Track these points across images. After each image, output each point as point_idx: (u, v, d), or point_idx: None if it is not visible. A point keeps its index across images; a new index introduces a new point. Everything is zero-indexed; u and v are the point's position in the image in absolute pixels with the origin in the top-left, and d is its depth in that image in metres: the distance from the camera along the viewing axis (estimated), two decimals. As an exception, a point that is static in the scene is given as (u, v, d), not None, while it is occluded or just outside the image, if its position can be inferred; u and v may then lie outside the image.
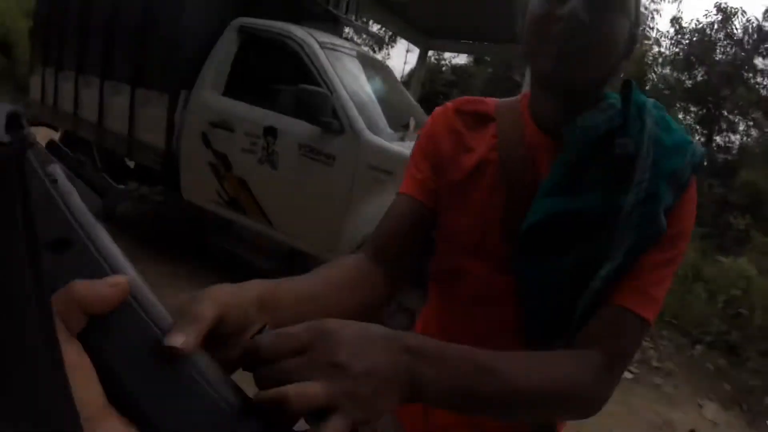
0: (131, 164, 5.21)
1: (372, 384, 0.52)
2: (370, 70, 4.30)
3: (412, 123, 3.77)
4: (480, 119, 0.97)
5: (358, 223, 3.25)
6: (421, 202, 0.95)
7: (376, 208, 3.11)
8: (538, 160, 0.90)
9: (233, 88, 3.95)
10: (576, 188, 0.84)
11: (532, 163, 0.90)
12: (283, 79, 3.97)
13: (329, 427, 0.47)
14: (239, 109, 3.83)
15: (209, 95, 3.95)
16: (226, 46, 4.00)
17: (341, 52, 3.98)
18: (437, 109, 1.03)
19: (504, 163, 0.91)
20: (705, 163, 1.06)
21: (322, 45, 3.77)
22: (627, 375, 4.43)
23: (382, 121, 3.60)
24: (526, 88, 1.04)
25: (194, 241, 4.59)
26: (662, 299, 0.83)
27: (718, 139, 16.34)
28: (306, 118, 3.43)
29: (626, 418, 3.92)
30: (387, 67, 5.17)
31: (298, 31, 3.84)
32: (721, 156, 15.28)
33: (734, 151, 15.80)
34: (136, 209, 5.11)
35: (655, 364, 4.79)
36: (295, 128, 3.54)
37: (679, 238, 0.83)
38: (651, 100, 0.88)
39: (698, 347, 5.32)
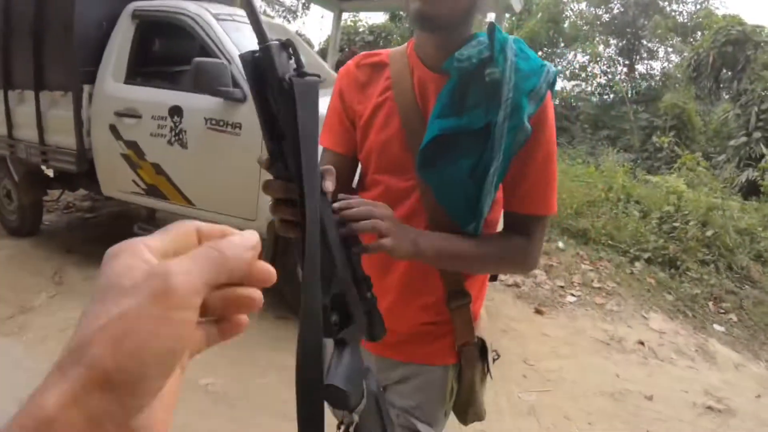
0: (50, 172, 5.18)
1: (404, 232, 1.05)
2: (273, 36, 4.34)
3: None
4: (377, 67, 1.28)
5: None
6: (340, 153, 1.30)
7: None
8: (428, 91, 1.19)
9: (136, 75, 3.97)
10: (460, 110, 1.12)
11: (422, 94, 1.20)
12: (185, 57, 4.00)
13: (383, 243, 0.97)
14: (143, 94, 3.85)
15: (112, 85, 3.95)
16: (123, 33, 4.00)
17: (239, 21, 4.01)
18: (341, 69, 1.33)
19: (398, 96, 1.21)
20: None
21: (216, 17, 3.81)
22: (570, 299, 4.70)
23: (284, 82, 3.65)
24: None
25: (123, 236, 4.62)
26: (555, 190, 1.20)
27: (639, 67, 17.04)
28: (208, 91, 3.44)
29: (573, 339, 4.12)
30: (290, 31, 5.25)
31: (191, 6, 3.86)
32: (644, 83, 15.89)
33: (656, 78, 16.42)
34: (63, 219, 5.13)
35: (596, 285, 5.00)
36: (198, 103, 3.58)
37: (545, 139, 1.16)
38: (511, 37, 1.16)
39: (637, 264, 5.54)
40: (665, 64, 16.84)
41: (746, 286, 5.42)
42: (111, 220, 5.64)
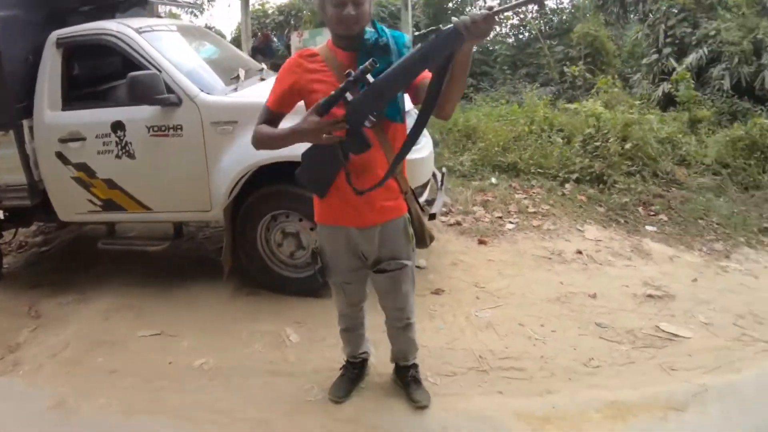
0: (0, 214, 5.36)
1: None
2: (193, 38, 4.72)
3: (242, 73, 4.25)
4: (313, 57, 2.22)
5: (221, 176, 3.76)
6: (276, 111, 2.27)
7: (232, 156, 3.70)
8: (349, 62, 2.12)
9: (71, 100, 4.21)
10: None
11: (346, 64, 2.11)
12: (116, 74, 4.31)
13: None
14: (83, 116, 4.10)
15: (50, 114, 4.16)
16: (50, 63, 4.17)
17: (159, 31, 4.30)
18: (291, 59, 2.29)
19: (332, 69, 2.17)
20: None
21: (139, 30, 4.07)
22: (509, 226, 5.15)
23: (213, 80, 4.05)
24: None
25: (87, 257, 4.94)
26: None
27: (549, 2, 17.22)
28: (145, 102, 3.77)
29: (516, 260, 4.57)
30: (206, 31, 5.59)
31: (113, 25, 4.11)
32: (555, 18, 16.28)
33: (566, 11, 16.73)
34: (20, 258, 5.38)
35: (531, 210, 5.43)
36: (138, 114, 3.88)
37: None
38: (384, 26, 2.18)
39: (567, 186, 5.98)
40: None
41: (673, 189, 5.88)
42: (68, 246, 5.83)
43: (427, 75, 1.97)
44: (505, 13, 17.53)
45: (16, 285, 4.95)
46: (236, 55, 5.24)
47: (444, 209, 5.22)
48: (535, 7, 15.47)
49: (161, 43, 4.15)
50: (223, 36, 16.55)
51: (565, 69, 11.50)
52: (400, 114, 2.21)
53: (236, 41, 13.59)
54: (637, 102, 7.65)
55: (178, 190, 4.02)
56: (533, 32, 15.09)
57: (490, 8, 1.69)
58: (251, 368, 3.32)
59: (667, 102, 8.70)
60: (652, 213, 5.47)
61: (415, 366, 2.94)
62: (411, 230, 2.47)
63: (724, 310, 3.86)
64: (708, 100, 8.26)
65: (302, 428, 2.81)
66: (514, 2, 1.73)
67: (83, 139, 4.08)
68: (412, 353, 2.90)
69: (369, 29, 2.15)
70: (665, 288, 4.11)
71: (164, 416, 2.97)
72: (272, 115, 2.26)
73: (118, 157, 4.01)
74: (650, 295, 4.01)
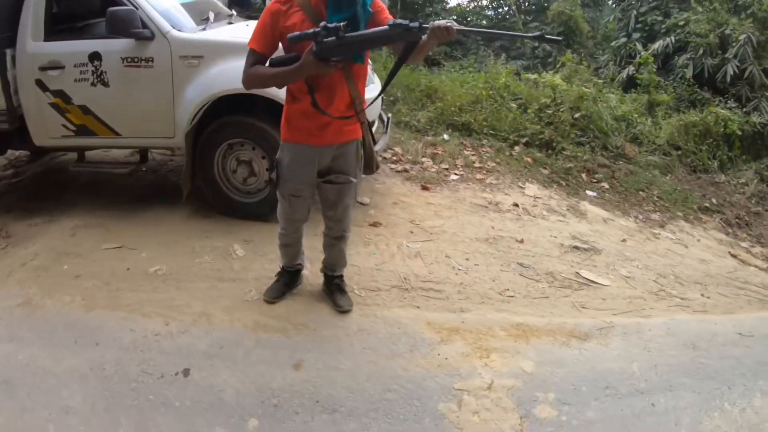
0: None
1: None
2: None
3: (211, 15, 4.72)
4: (288, 2, 2.58)
5: (185, 105, 4.21)
6: (262, 53, 2.64)
7: (195, 87, 4.17)
8: (319, 6, 2.55)
9: (53, 31, 4.57)
10: (340, 9, 2.51)
11: (317, 7, 2.55)
12: (97, 11, 4.73)
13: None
14: (63, 47, 4.48)
15: (32, 44, 4.53)
16: None
17: None
18: (271, 4, 2.63)
19: (306, 12, 2.56)
20: None
21: None
22: (453, 177, 5.54)
23: (185, 19, 4.47)
24: None
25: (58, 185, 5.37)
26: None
27: None
28: (123, 35, 4.19)
29: (454, 205, 4.98)
30: None
31: None
32: None
33: None
34: None
35: (477, 165, 5.83)
36: (114, 46, 4.30)
37: (381, 7, 2.67)
38: None
39: (516, 148, 6.35)
40: None
41: (620, 162, 6.26)
42: (38, 177, 6.15)
43: (387, 17, 2.59)
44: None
45: None
46: (209, 1, 5.65)
47: (384, 149, 5.64)
48: None
49: None
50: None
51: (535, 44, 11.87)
52: (361, 57, 2.67)
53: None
54: (599, 81, 8.11)
55: (147, 117, 4.46)
56: (512, 7, 15.34)
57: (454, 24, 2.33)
58: (200, 274, 3.79)
59: (630, 85, 9.07)
60: (594, 180, 5.86)
61: (341, 277, 3.46)
62: (361, 153, 3.02)
63: (647, 268, 4.24)
64: (669, 86, 8.68)
65: (239, 321, 3.28)
66: (473, 29, 2.45)
67: (62, 67, 4.47)
68: (340, 265, 3.42)
69: None
70: (593, 243, 4.47)
71: (120, 311, 3.41)
72: (259, 56, 2.65)
73: (93, 85, 4.42)
74: (576, 247, 4.39)
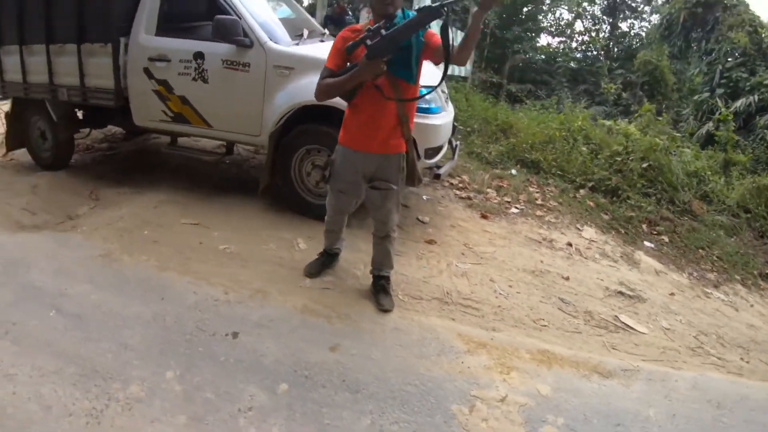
0: (80, 114, 6.47)
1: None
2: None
3: (305, 32, 5.30)
4: (355, 31, 3.14)
5: (273, 109, 4.74)
6: (334, 70, 3.16)
7: (283, 94, 4.69)
8: None
9: (164, 28, 5.24)
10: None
11: None
12: (202, 15, 5.35)
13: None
14: (171, 43, 5.13)
15: (145, 37, 5.22)
16: None
17: None
18: (341, 32, 3.25)
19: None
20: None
21: None
22: (514, 210, 5.78)
23: (281, 33, 5.03)
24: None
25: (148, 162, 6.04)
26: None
27: (623, 25, 17.72)
28: (225, 40, 4.80)
29: (510, 236, 5.22)
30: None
31: None
32: (625, 41, 16.62)
33: (633, 36, 17.13)
34: (87, 157, 6.55)
35: (539, 202, 6.01)
36: (217, 49, 4.90)
37: (432, 38, 3.12)
38: (411, 12, 3.06)
39: (581, 191, 6.47)
40: (644, 23, 17.51)
41: (685, 218, 6.20)
42: (131, 154, 6.99)
43: (438, 40, 2.97)
44: (574, 28, 18.24)
45: (82, 174, 6.10)
46: (306, 19, 6.36)
47: (449, 174, 6.08)
48: (607, 27, 15.79)
49: None
50: (300, 2, 18.46)
51: (602, 84, 11.92)
52: (412, 77, 3.17)
53: (312, 7, 15.24)
54: (678, 134, 8.08)
55: (237, 114, 5.04)
56: (600, 52, 15.32)
57: None
58: (263, 258, 4.29)
59: (709, 141, 9.01)
60: (654, 232, 5.84)
61: (386, 278, 3.86)
62: (403, 165, 3.45)
63: (690, 324, 4.21)
64: (748, 146, 8.55)
65: (290, 302, 3.73)
66: None
67: (168, 60, 5.12)
68: (385, 266, 3.83)
69: (399, 14, 3.06)
70: (639, 291, 4.49)
71: (188, 276, 3.95)
72: (331, 73, 3.17)
73: (194, 79, 5.04)
74: (621, 293, 4.43)
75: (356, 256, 4.35)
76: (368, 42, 2.89)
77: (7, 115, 6.63)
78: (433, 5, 2.76)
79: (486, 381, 3.19)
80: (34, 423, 2.59)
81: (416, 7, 3.14)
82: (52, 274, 3.90)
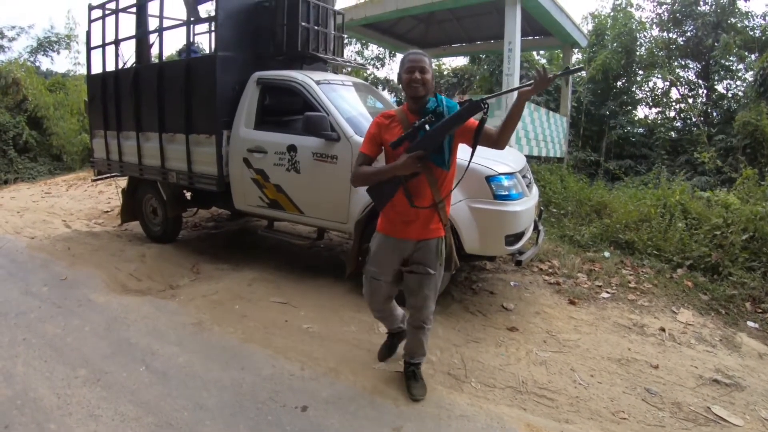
0: (188, 195, 7.48)
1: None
2: (361, 92, 6.47)
3: None
4: (389, 117, 3.47)
5: (358, 198, 5.28)
6: (370, 156, 3.45)
7: None
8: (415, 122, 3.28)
9: (261, 123, 6.02)
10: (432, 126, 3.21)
11: (411, 123, 3.31)
12: (295, 110, 6.11)
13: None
14: (268, 136, 5.89)
15: (244, 131, 6.03)
16: (250, 94, 6.11)
17: (334, 84, 6.05)
18: (375, 118, 3.53)
19: (404, 127, 3.35)
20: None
21: (317, 82, 5.86)
22: (604, 295, 5.83)
23: (366, 126, 5.53)
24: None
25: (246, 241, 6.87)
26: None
27: (719, 87, 17.12)
28: (314, 135, 5.46)
29: (597, 322, 5.26)
30: (373, 88, 7.38)
31: (299, 76, 5.93)
32: (724, 103, 16.04)
33: (729, 97, 16.48)
34: (193, 234, 7.58)
35: (632, 285, 6.02)
36: (308, 143, 5.58)
37: (466, 126, 3.26)
38: (443, 96, 3.35)
39: (679, 271, 6.36)
40: (743, 82, 16.85)
41: None
42: (233, 233, 7.91)
43: (475, 123, 3.20)
44: (669, 96, 18.02)
45: (187, 249, 7.09)
46: (391, 107, 6.91)
47: (540, 259, 6.37)
48: (704, 91, 15.36)
49: (333, 93, 5.86)
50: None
51: (696, 154, 11.65)
52: (446, 163, 3.34)
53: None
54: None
55: (326, 202, 5.62)
56: (699, 118, 14.93)
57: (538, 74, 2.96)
58: (342, 338, 4.77)
59: None
60: (760, 310, 5.64)
61: (417, 365, 4.09)
62: (442, 249, 3.62)
63: None
64: None
65: (361, 383, 4.09)
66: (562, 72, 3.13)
67: (265, 152, 5.88)
68: (417, 354, 4.06)
69: (432, 99, 3.31)
70: (737, 378, 4.32)
71: (269, 350, 4.52)
72: (366, 158, 3.43)
73: (288, 170, 5.72)
74: (716, 380, 4.26)
75: (433, 342, 4.64)
76: (412, 139, 3.17)
77: (124, 191, 7.88)
78: (474, 99, 3.04)
79: (547, 476, 3.28)
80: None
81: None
82: (147, 334, 4.67)
